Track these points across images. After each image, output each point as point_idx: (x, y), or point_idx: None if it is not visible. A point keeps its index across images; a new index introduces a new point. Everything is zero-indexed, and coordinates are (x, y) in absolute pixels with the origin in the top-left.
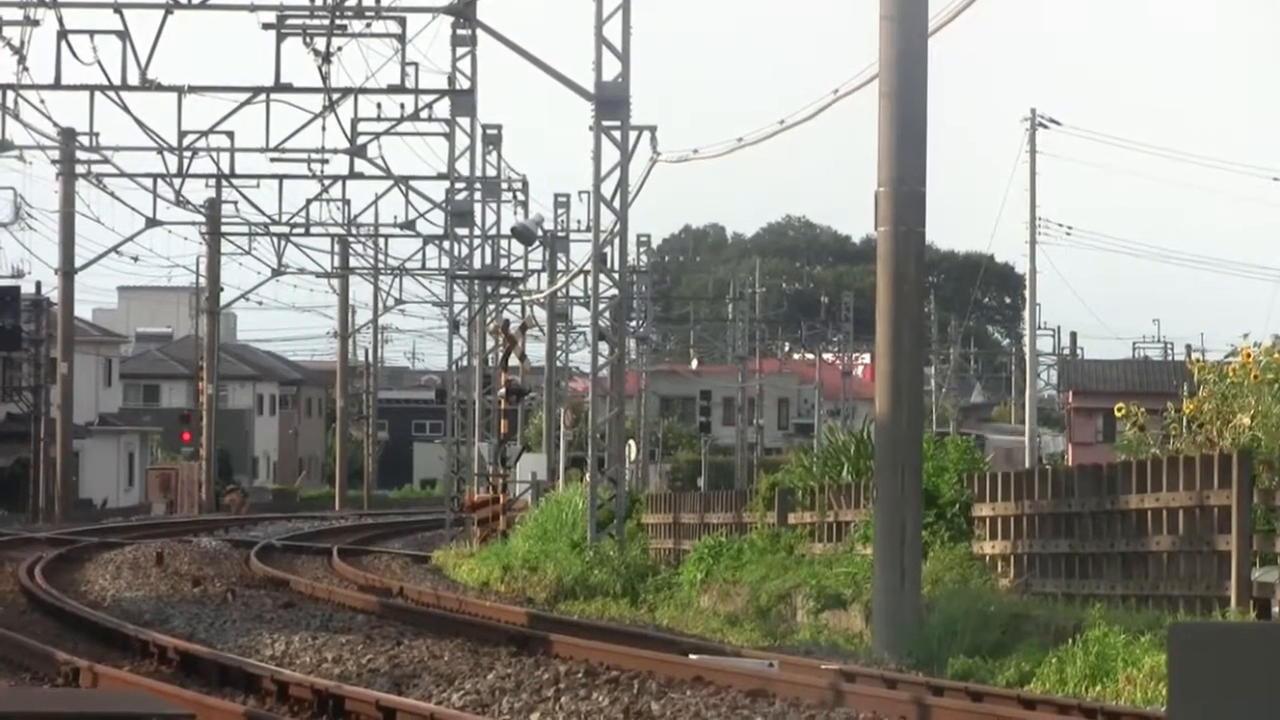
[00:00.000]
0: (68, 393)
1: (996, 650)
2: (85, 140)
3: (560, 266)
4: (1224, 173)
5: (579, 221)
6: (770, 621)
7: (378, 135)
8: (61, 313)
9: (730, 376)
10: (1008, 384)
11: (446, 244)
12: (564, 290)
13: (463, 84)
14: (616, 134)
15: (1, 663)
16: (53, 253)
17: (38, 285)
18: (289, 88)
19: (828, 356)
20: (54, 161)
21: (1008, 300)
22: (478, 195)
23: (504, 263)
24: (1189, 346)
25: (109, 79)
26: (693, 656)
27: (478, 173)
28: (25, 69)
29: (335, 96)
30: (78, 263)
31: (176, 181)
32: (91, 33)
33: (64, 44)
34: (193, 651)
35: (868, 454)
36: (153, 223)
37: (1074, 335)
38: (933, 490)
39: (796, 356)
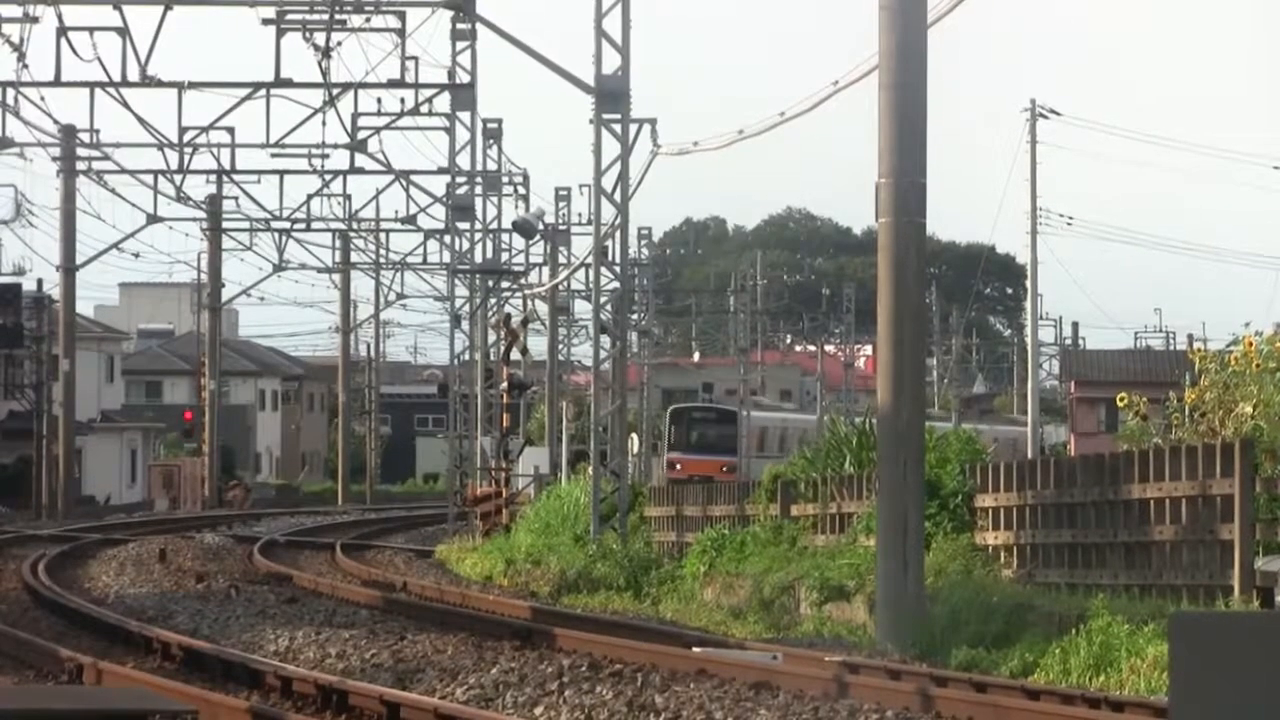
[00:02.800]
0: (70, 389)
1: (1000, 641)
2: (86, 137)
3: (561, 260)
4: (1225, 161)
5: (580, 215)
6: (774, 613)
7: (378, 130)
8: (63, 310)
9: (732, 369)
10: (1009, 374)
11: (447, 238)
12: (565, 284)
13: (463, 78)
14: (617, 127)
15: (6, 660)
16: (54, 250)
17: (39, 282)
18: (289, 83)
19: (829, 348)
20: (55, 159)
21: (1009, 291)
22: (478, 190)
23: (505, 257)
24: (1191, 336)
25: (109, 76)
26: (696, 649)
27: (478, 167)
28: (25, 66)
29: (335, 91)
30: (79, 259)
31: (177, 178)
32: (91, 29)
33: (64, 41)
34: (196, 648)
35: (870, 445)
36: (154, 219)
37: (1076, 325)
38: (935, 481)
39: (798, 348)
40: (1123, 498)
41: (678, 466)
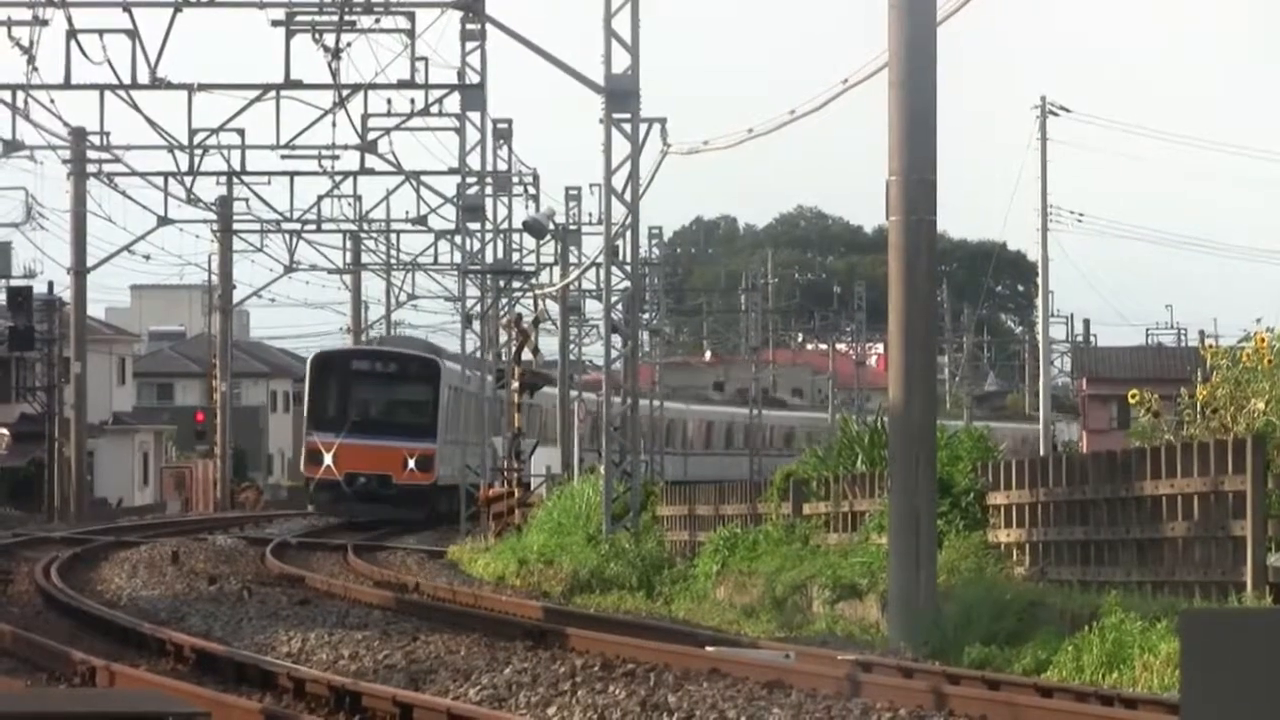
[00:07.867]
0: (81, 392)
1: (1013, 638)
2: (96, 139)
3: (572, 260)
4: (1236, 158)
5: (590, 215)
6: (786, 612)
7: (388, 131)
8: (74, 312)
9: (744, 368)
10: (1021, 372)
11: (458, 239)
12: (576, 284)
13: (472, 79)
14: (627, 126)
15: (18, 662)
16: (64, 252)
17: (50, 285)
18: (299, 84)
19: (841, 347)
20: (65, 161)
21: (1020, 288)
22: (489, 190)
23: (516, 257)
24: (1202, 332)
25: (119, 78)
26: (709, 649)
27: (489, 167)
28: (35, 69)
29: (345, 93)
30: (90, 262)
31: (187, 179)
32: (101, 32)
33: (73, 43)
34: (209, 650)
35: (881, 443)
36: (164, 221)
37: (1087, 322)
38: (947, 479)
39: (810, 347)
40: (1135, 495)
41: (326, 459)
